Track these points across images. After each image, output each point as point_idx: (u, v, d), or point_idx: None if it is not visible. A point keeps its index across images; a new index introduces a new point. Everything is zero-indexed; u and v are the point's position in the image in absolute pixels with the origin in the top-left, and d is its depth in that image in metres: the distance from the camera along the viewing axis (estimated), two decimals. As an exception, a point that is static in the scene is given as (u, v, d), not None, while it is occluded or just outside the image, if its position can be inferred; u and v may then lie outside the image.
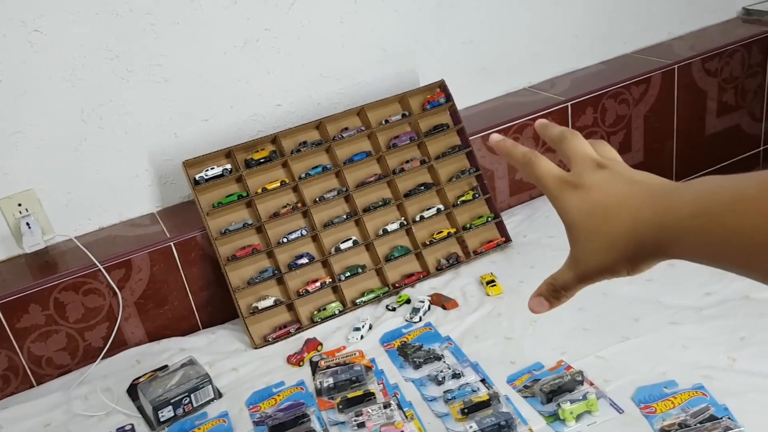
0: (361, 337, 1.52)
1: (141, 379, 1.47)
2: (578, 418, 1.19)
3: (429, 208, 1.76)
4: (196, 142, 1.71)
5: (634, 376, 1.27)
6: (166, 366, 1.50)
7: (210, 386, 1.40)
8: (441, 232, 1.75)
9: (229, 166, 1.63)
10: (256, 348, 1.56)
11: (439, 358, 1.41)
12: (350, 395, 1.31)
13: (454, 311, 1.57)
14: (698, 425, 1.13)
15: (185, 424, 1.35)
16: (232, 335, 1.62)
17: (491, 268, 1.70)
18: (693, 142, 2.20)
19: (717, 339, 1.33)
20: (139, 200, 1.73)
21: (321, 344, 1.52)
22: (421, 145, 1.78)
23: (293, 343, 1.55)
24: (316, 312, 1.63)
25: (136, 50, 1.60)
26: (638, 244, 0.44)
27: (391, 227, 1.71)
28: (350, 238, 1.68)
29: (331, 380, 1.36)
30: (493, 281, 1.63)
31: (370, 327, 1.55)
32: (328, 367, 1.42)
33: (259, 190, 1.64)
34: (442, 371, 1.35)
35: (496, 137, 0.55)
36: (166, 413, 1.35)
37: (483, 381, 1.32)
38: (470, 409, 1.23)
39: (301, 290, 1.63)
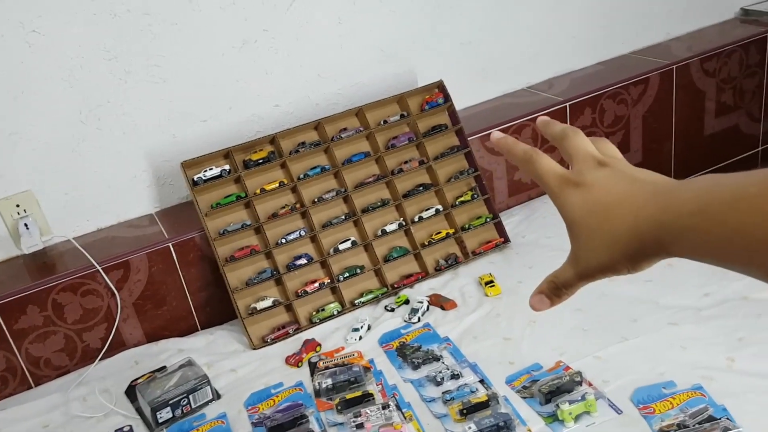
0: (360, 337, 1.52)
1: (139, 380, 1.46)
2: (577, 418, 1.19)
3: (428, 209, 1.76)
4: (194, 143, 1.71)
5: (632, 376, 1.27)
6: (164, 367, 1.50)
7: (208, 387, 1.39)
8: (440, 232, 1.75)
9: (227, 167, 1.62)
10: (254, 349, 1.56)
11: (437, 358, 1.41)
12: (349, 396, 1.31)
13: (452, 312, 1.57)
14: (697, 426, 1.13)
15: (184, 425, 1.35)
16: (231, 336, 1.62)
17: (490, 268, 1.70)
18: (691, 142, 2.20)
19: (716, 339, 1.33)
20: (138, 201, 1.73)
21: (320, 345, 1.52)
22: (420, 146, 1.78)
23: (292, 344, 1.55)
24: (314, 313, 1.63)
25: (135, 51, 1.60)
26: (639, 242, 0.44)
27: (389, 228, 1.71)
28: (349, 239, 1.68)
29: (329, 381, 1.36)
30: (491, 282, 1.62)
31: (369, 328, 1.55)
32: (327, 367, 1.42)
33: (258, 191, 1.64)
34: (440, 372, 1.35)
35: (497, 135, 0.55)
36: (165, 414, 1.35)
37: (482, 382, 1.32)
38: (469, 410, 1.23)
39: (299, 291, 1.63)
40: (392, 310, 1.61)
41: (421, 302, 1.58)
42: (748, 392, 1.19)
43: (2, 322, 1.50)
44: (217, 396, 1.42)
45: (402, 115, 1.77)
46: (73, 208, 1.66)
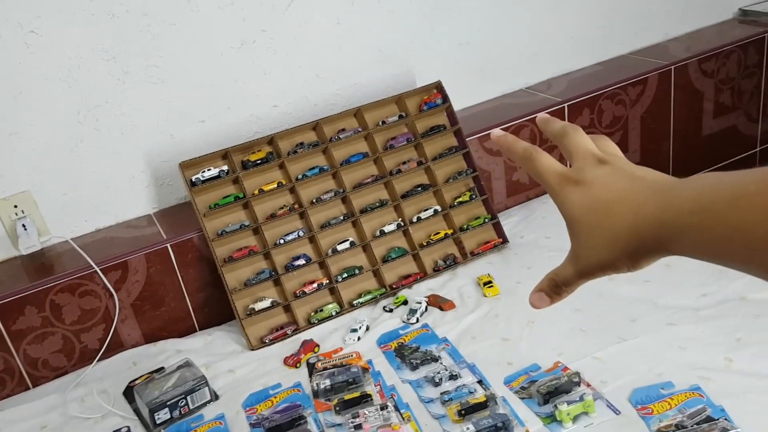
0: (358, 338, 1.52)
1: (137, 381, 1.46)
2: (575, 419, 1.19)
3: (426, 209, 1.76)
4: (192, 144, 1.71)
5: (631, 377, 1.27)
6: (162, 368, 1.50)
7: (206, 388, 1.39)
8: (438, 233, 1.75)
9: (225, 168, 1.62)
10: (252, 350, 1.56)
11: (436, 359, 1.41)
12: (347, 397, 1.31)
13: (451, 312, 1.57)
14: (695, 426, 1.13)
15: (182, 426, 1.35)
16: (229, 337, 1.62)
17: (488, 269, 1.70)
18: (690, 142, 2.20)
19: (714, 340, 1.33)
20: (136, 201, 1.73)
21: (318, 346, 1.52)
22: (418, 146, 1.78)
23: (290, 345, 1.55)
24: (313, 313, 1.63)
25: (133, 51, 1.60)
26: (639, 240, 0.44)
27: (388, 228, 1.71)
28: (347, 240, 1.68)
29: (328, 382, 1.36)
30: (490, 282, 1.62)
31: (367, 328, 1.55)
32: (325, 368, 1.42)
33: (256, 192, 1.63)
34: (439, 372, 1.35)
35: (497, 132, 0.54)
36: (163, 415, 1.35)
37: (480, 382, 1.32)
38: (467, 411, 1.23)
39: (298, 291, 1.62)
40: (391, 310, 1.61)
41: (420, 303, 1.58)
42: (747, 393, 1.19)
43: (0, 323, 1.50)
44: (215, 397, 1.42)
45: (400, 116, 1.77)
46: (71, 208, 1.66)
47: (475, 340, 1.46)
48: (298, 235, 1.64)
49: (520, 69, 2.08)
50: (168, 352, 1.58)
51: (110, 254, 1.58)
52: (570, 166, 0.50)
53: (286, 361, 1.49)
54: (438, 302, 1.59)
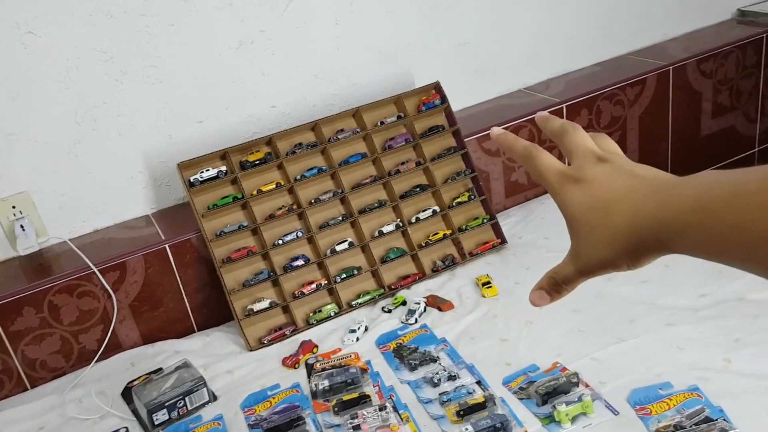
0: (357, 339, 1.52)
1: (135, 382, 1.46)
2: (574, 419, 1.19)
3: (424, 210, 1.76)
4: (190, 144, 1.71)
5: (629, 377, 1.27)
6: (160, 369, 1.50)
7: (205, 389, 1.39)
8: (437, 233, 1.75)
9: (224, 168, 1.62)
10: (251, 350, 1.56)
11: (434, 360, 1.41)
12: (346, 398, 1.31)
13: (449, 313, 1.56)
14: (693, 427, 1.13)
15: (180, 427, 1.35)
16: (227, 338, 1.61)
17: (487, 269, 1.70)
18: (688, 143, 2.20)
19: (712, 340, 1.33)
20: (134, 202, 1.72)
21: (316, 346, 1.52)
22: (417, 147, 1.78)
23: (288, 346, 1.55)
24: (311, 314, 1.62)
25: (131, 52, 1.59)
26: (639, 238, 0.44)
27: (386, 229, 1.71)
28: (346, 240, 1.68)
29: (326, 383, 1.36)
30: (488, 283, 1.62)
31: (366, 329, 1.55)
32: (324, 369, 1.42)
33: (255, 192, 1.63)
34: (437, 373, 1.35)
35: (496, 131, 0.54)
36: (161, 416, 1.35)
37: (478, 383, 1.32)
38: (466, 411, 1.23)
39: (296, 292, 1.62)
40: (389, 311, 1.61)
41: (418, 303, 1.58)
42: (745, 393, 1.19)
43: (-2, 324, 1.50)
44: (213, 398, 1.41)
45: (399, 116, 1.77)
46: (70, 209, 1.66)
47: (474, 341, 1.46)
48: (297, 236, 1.64)
49: (519, 69, 2.08)
50: (166, 352, 1.58)
51: (108, 255, 1.57)
52: (570, 165, 0.50)
53: (284, 362, 1.49)
54: (437, 303, 1.59)
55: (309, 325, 1.61)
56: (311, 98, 1.82)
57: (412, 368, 1.40)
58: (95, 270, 1.54)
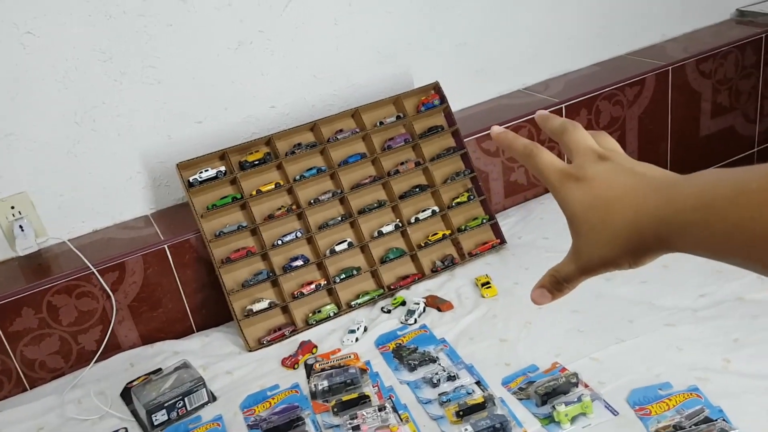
0: (356, 339, 1.52)
1: (135, 383, 1.46)
2: (573, 420, 1.19)
3: (424, 210, 1.76)
4: (189, 144, 1.71)
5: (629, 377, 1.27)
6: (159, 369, 1.49)
7: (204, 389, 1.39)
8: (436, 233, 1.75)
9: (223, 168, 1.62)
10: (250, 351, 1.56)
11: (434, 360, 1.41)
12: (345, 398, 1.31)
13: (449, 313, 1.56)
14: (693, 427, 1.13)
15: (179, 427, 1.35)
16: (227, 338, 1.61)
17: (486, 269, 1.70)
18: (687, 143, 2.20)
19: (712, 340, 1.33)
20: (133, 202, 1.72)
21: (316, 347, 1.52)
22: (416, 147, 1.78)
23: (288, 346, 1.55)
24: (310, 314, 1.62)
25: (130, 52, 1.59)
26: (640, 237, 0.44)
27: (386, 229, 1.71)
28: (345, 240, 1.68)
29: (325, 383, 1.36)
30: (488, 283, 1.62)
31: (365, 329, 1.55)
32: (323, 369, 1.42)
33: (254, 192, 1.63)
34: (437, 373, 1.35)
35: (496, 129, 0.54)
36: (160, 417, 1.35)
37: (478, 383, 1.32)
38: (465, 412, 1.23)
39: (295, 292, 1.62)
40: (389, 311, 1.61)
41: (418, 304, 1.58)
42: (745, 393, 1.19)
43: (-3, 325, 1.50)
44: (212, 398, 1.41)
45: (398, 117, 1.77)
46: (69, 209, 1.65)
47: (473, 341, 1.46)
48: (296, 236, 1.64)
49: (518, 70, 2.08)
50: (165, 353, 1.58)
51: (107, 255, 1.57)
52: (570, 163, 0.50)
53: (284, 363, 1.49)
54: (436, 303, 1.59)
55: (308, 325, 1.61)
56: (310, 98, 1.82)
57: (412, 369, 1.40)
58: (94, 270, 1.54)
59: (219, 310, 1.65)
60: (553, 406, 1.21)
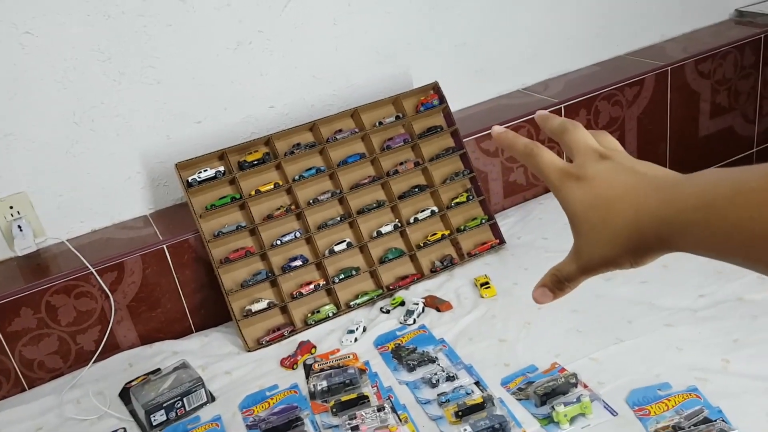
0: (355, 339, 1.52)
1: (133, 383, 1.46)
2: (572, 420, 1.19)
3: (423, 210, 1.76)
4: (188, 144, 1.71)
5: (628, 378, 1.27)
6: (158, 369, 1.49)
7: (203, 390, 1.39)
8: (435, 234, 1.75)
9: (222, 168, 1.62)
10: (249, 351, 1.55)
11: (433, 360, 1.41)
12: (344, 398, 1.31)
13: (448, 313, 1.56)
14: (692, 428, 1.13)
15: (178, 428, 1.35)
16: (225, 338, 1.61)
17: (485, 269, 1.70)
18: (686, 143, 2.20)
19: (711, 341, 1.33)
20: (132, 202, 1.72)
21: (315, 347, 1.52)
22: (415, 147, 1.78)
23: (287, 346, 1.55)
24: (309, 314, 1.62)
25: (129, 52, 1.59)
26: (641, 236, 0.44)
27: (385, 229, 1.71)
28: (344, 241, 1.68)
29: (324, 383, 1.36)
30: (487, 283, 1.62)
31: (364, 329, 1.55)
32: (322, 370, 1.42)
33: (253, 192, 1.63)
34: (436, 374, 1.35)
35: (497, 129, 0.54)
36: (159, 417, 1.34)
37: (477, 383, 1.32)
38: (464, 412, 1.23)
39: (294, 293, 1.62)
40: (387, 311, 1.61)
41: (417, 304, 1.58)
42: (744, 394, 1.19)
43: (-5, 325, 1.50)
44: (211, 398, 1.41)
45: (397, 117, 1.77)
46: (67, 209, 1.65)
47: (472, 341, 1.46)
48: (295, 236, 1.64)
49: (517, 70, 2.08)
50: (164, 353, 1.58)
51: (106, 255, 1.57)
52: (571, 163, 0.50)
53: (282, 363, 1.49)
54: (435, 303, 1.59)
55: (307, 325, 1.61)
56: (309, 98, 1.82)
57: (411, 369, 1.40)
58: (93, 270, 1.54)
59: (218, 310, 1.65)
60: (552, 407, 1.21)
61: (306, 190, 1.69)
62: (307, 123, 1.70)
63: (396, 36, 1.87)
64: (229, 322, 1.65)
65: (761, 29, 2.20)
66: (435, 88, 1.81)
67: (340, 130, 1.73)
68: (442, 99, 1.80)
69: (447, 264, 1.73)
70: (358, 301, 1.65)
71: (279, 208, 1.65)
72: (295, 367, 1.47)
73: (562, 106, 1.96)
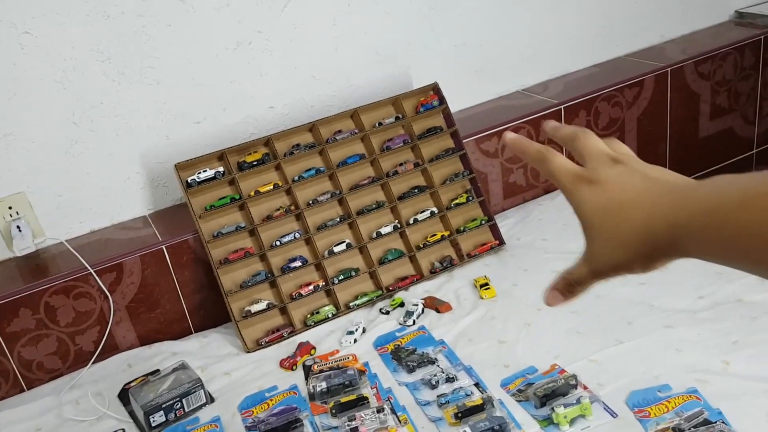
0: (355, 340, 1.52)
1: (132, 384, 1.45)
2: (572, 422, 1.19)
3: (423, 211, 1.76)
4: (188, 145, 1.71)
5: (627, 379, 1.27)
6: (157, 370, 1.49)
7: (202, 391, 1.39)
8: (435, 234, 1.75)
9: (221, 169, 1.62)
10: (248, 352, 1.55)
11: (432, 361, 1.40)
12: (343, 400, 1.31)
13: (447, 314, 1.56)
14: (692, 429, 1.13)
15: (177, 429, 1.34)
16: (225, 339, 1.61)
17: (485, 271, 1.69)
18: (686, 144, 2.20)
19: (711, 342, 1.33)
20: (131, 203, 1.72)
21: (314, 348, 1.51)
22: (415, 148, 1.78)
23: (286, 347, 1.55)
24: (309, 315, 1.62)
25: (128, 52, 1.59)
26: (652, 241, 0.44)
27: (384, 230, 1.71)
28: (344, 241, 1.67)
29: (324, 384, 1.36)
30: (486, 284, 1.62)
31: (364, 330, 1.55)
32: (321, 371, 1.42)
33: (252, 193, 1.63)
34: (435, 375, 1.35)
35: (510, 135, 0.54)
36: (158, 418, 1.34)
37: (477, 385, 1.32)
38: (464, 414, 1.22)
39: (294, 293, 1.62)
40: (387, 312, 1.60)
41: (416, 305, 1.58)
42: (744, 395, 1.19)
43: (-6, 325, 1.49)
44: (210, 399, 1.41)
45: (397, 117, 1.77)
46: (66, 210, 1.65)
47: (472, 343, 1.46)
48: (295, 237, 1.64)
49: (517, 71, 2.08)
50: (163, 354, 1.58)
51: (105, 256, 1.57)
52: (584, 167, 0.50)
53: (282, 364, 1.49)
54: (434, 304, 1.59)
55: (306, 326, 1.61)
56: (309, 99, 1.82)
57: (410, 370, 1.39)
58: (92, 271, 1.54)
59: (217, 311, 1.65)
60: (552, 408, 1.20)
61: (305, 190, 1.69)
62: (306, 123, 1.70)
63: (396, 36, 1.87)
64: (228, 322, 1.65)
65: (761, 30, 2.20)
66: (435, 88, 1.81)
67: (340, 131, 1.73)
68: (441, 100, 1.80)
69: (446, 265, 1.73)
70: (357, 302, 1.64)
71: (278, 209, 1.65)
72: (294, 368, 1.47)
73: (561, 107, 1.96)
